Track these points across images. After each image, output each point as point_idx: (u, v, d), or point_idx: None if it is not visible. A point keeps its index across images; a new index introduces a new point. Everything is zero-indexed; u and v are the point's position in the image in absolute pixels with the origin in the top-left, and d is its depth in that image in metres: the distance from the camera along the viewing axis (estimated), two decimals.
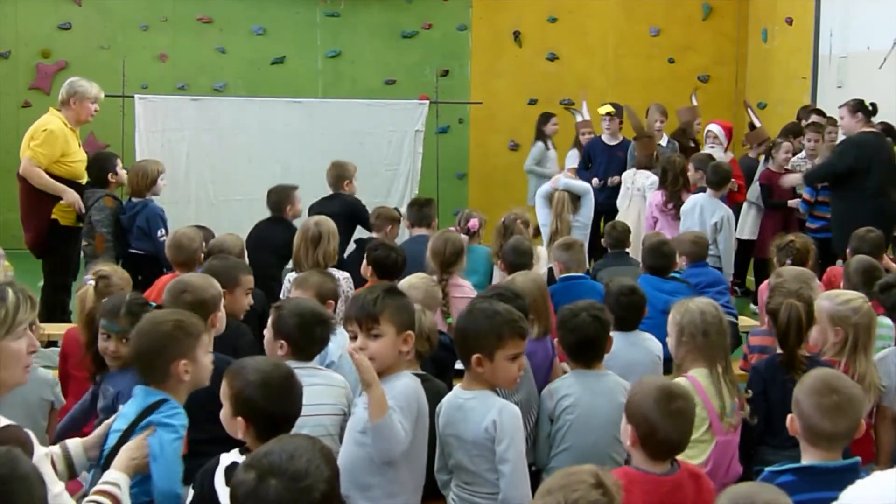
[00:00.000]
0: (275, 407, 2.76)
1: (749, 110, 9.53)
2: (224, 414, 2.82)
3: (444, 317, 5.08)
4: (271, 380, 2.80)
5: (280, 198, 6.87)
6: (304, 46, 11.42)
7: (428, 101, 10.25)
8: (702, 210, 7.26)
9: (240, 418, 2.74)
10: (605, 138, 9.13)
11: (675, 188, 7.66)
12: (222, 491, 2.61)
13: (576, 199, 7.05)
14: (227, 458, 2.70)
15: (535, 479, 3.53)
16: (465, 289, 5.36)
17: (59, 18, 11.06)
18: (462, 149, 11.63)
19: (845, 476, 2.83)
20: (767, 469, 2.96)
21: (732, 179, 7.84)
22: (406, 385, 3.16)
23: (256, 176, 9.23)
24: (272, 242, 6.55)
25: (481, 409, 3.17)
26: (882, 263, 5.35)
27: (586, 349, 3.74)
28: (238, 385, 2.78)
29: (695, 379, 3.77)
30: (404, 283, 4.49)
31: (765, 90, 11.41)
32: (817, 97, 10.17)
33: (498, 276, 6.29)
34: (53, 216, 6.68)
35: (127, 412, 3.12)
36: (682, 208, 7.38)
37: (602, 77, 11.91)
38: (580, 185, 7.25)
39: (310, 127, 9.46)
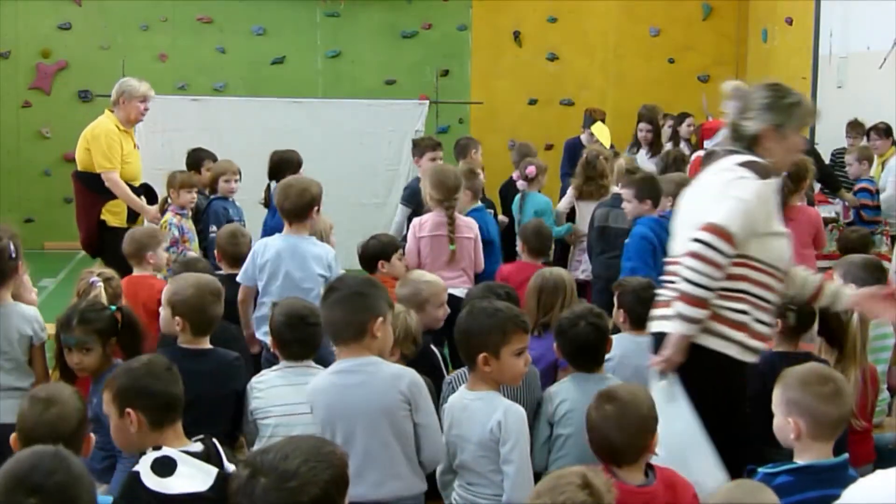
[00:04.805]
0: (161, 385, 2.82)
1: None
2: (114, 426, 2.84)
3: (450, 242, 5.41)
4: (151, 362, 2.89)
5: None
6: (304, 46, 11.43)
7: (428, 101, 10.27)
8: None
9: (129, 410, 2.76)
10: (584, 141, 8.97)
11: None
12: (154, 484, 2.62)
13: None
14: (146, 461, 2.67)
15: (536, 480, 3.53)
16: (470, 227, 5.57)
17: (59, 18, 11.06)
18: None
19: (838, 473, 2.90)
20: (762, 470, 2.97)
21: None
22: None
23: (256, 176, 9.22)
24: None
25: (487, 410, 3.17)
26: None
27: (585, 356, 3.72)
28: (118, 381, 2.83)
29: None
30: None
31: None
32: (817, 97, 10.16)
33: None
34: (102, 217, 6.64)
35: None
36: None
37: (602, 77, 11.91)
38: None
39: (310, 127, 9.46)
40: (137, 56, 10.83)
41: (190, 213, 6.57)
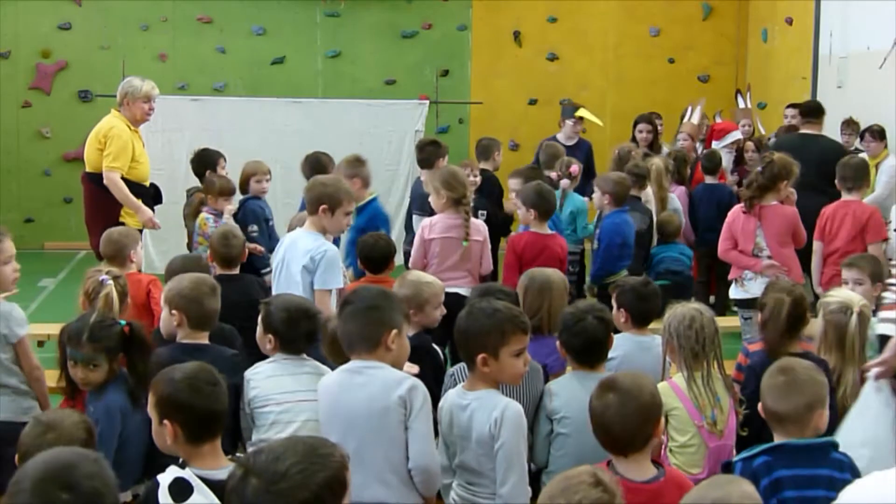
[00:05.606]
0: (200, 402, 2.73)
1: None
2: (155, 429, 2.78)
3: (464, 238, 5.50)
4: (197, 376, 2.78)
5: None
6: (304, 46, 11.43)
7: (428, 101, 10.27)
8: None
9: (167, 422, 2.71)
10: (562, 139, 8.87)
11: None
12: None
13: None
14: (167, 478, 2.64)
15: (535, 479, 3.53)
16: (479, 230, 5.64)
17: (59, 18, 11.06)
18: (462, 149, 11.60)
19: (817, 453, 2.95)
20: (738, 457, 3.01)
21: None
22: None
23: None
24: None
25: (486, 408, 3.16)
26: None
27: (592, 352, 3.71)
28: (161, 388, 2.75)
29: (675, 384, 3.77)
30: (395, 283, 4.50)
31: (765, 90, 11.41)
32: (817, 97, 10.16)
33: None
34: (121, 219, 6.47)
35: None
36: None
37: (602, 77, 11.92)
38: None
39: (310, 127, 9.47)
40: (137, 56, 10.83)
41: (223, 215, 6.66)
